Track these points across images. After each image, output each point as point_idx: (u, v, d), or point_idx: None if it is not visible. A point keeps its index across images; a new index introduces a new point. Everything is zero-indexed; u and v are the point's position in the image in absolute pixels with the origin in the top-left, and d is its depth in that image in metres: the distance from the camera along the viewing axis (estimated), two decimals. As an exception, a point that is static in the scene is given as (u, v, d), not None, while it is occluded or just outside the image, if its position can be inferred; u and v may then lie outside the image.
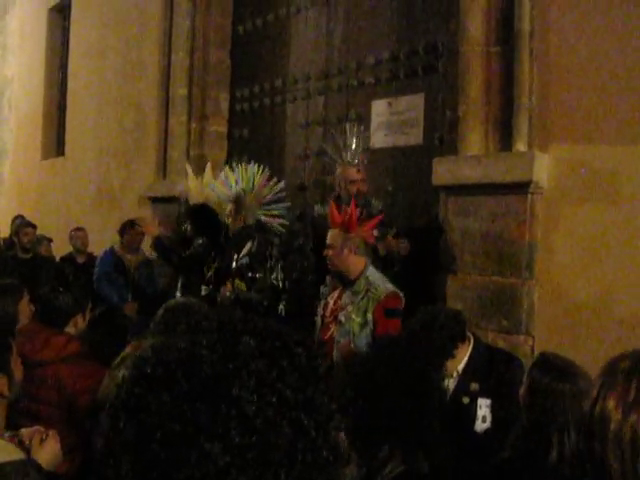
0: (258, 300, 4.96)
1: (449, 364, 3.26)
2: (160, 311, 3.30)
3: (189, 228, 5.95)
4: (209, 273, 5.36)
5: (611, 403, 1.51)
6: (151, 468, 0.82)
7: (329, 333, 4.05)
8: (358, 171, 4.78)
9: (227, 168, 5.61)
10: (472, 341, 3.34)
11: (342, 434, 0.95)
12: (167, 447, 0.81)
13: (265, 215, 5.47)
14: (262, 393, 0.84)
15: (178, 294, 5.57)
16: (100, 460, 0.89)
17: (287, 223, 5.55)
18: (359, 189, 4.71)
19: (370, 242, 4.21)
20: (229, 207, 5.24)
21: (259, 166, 5.72)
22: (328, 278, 4.35)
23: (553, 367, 2.54)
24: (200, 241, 5.59)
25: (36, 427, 2.28)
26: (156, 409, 0.83)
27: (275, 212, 5.50)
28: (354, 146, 4.86)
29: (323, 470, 0.86)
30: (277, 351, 0.89)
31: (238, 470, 0.80)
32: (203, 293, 5.29)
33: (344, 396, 2.09)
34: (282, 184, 5.60)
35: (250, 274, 5.04)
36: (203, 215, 5.70)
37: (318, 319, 4.19)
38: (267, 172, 5.60)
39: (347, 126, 5.03)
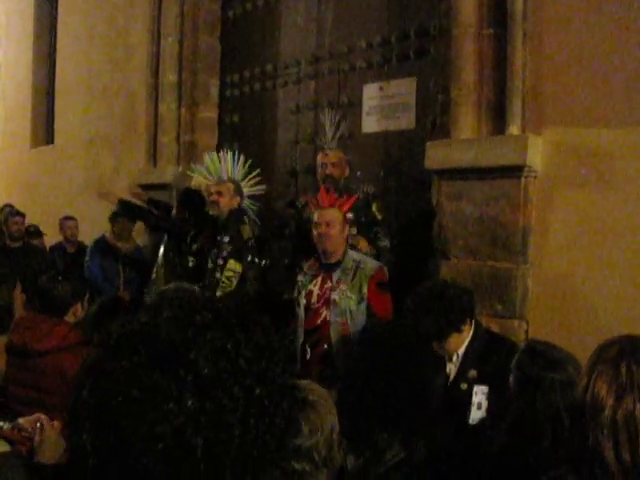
0: (258, 290, 4.93)
1: (452, 342, 3.25)
2: (153, 296, 3.27)
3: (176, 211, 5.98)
4: (195, 246, 5.36)
5: (603, 389, 1.50)
6: (110, 431, 0.86)
7: (321, 318, 4.06)
8: (326, 155, 4.86)
9: (230, 152, 5.57)
10: (473, 325, 3.33)
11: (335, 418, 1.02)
12: (126, 411, 0.86)
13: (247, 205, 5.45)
14: (217, 360, 0.89)
15: (160, 258, 5.59)
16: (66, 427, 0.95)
17: (259, 223, 5.50)
18: (328, 173, 4.79)
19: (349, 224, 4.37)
20: (226, 185, 5.16)
21: (251, 154, 5.70)
22: (306, 265, 4.31)
23: (541, 356, 2.52)
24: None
25: (37, 414, 2.25)
26: (116, 376, 0.88)
27: (253, 207, 5.48)
28: (327, 131, 4.97)
29: (275, 436, 0.92)
30: (233, 325, 0.95)
31: (193, 430, 0.85)
32: (190, 265, 5.30)
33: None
34: (263, 187, 5.58)
35: (256, 260, 5.00)
36: (193, 200, 5.70)
37: (301, 310, 4.16)
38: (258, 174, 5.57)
39: (327, 111, 5.09)
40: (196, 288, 3.54)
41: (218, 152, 5.72)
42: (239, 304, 1.10)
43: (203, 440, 0.85)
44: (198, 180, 5.62)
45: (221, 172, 5.33)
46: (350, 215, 4.47)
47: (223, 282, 4.88)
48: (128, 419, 0.85)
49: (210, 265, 5.00)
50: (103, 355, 0.92)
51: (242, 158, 5.46)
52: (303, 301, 4.17)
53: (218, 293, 4.81)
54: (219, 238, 5.02)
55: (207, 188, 5.34)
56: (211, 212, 5.15)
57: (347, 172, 4.94)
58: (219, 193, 5.14)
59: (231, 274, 4.90)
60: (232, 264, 4.90)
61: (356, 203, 4.60)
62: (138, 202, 6.20)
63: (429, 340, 3.27)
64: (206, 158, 5.60)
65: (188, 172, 6.05)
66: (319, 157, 4.95)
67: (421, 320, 3.22)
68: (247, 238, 5.01)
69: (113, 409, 0.86)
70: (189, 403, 0.86)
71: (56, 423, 2.20)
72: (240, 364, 0.90)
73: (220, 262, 4.93)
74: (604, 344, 1.61)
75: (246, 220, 5.16)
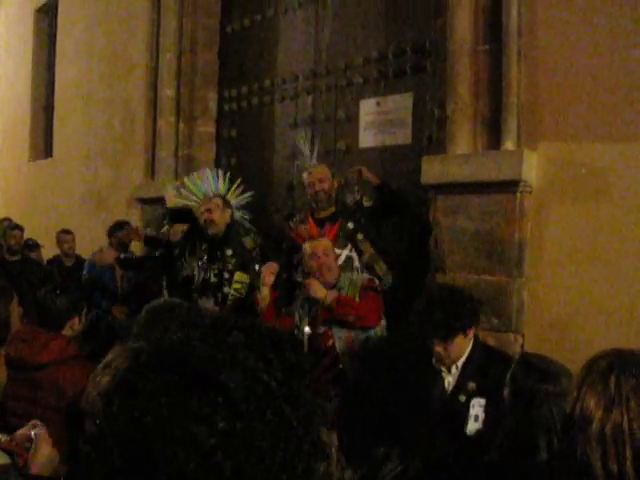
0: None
1: (456, 346, 3.27)
2: (142, 313, 3.27)
3: (169, 229, 5.98)
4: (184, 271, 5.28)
5: (591, 402, 1.51)
6: (139, 451, 0.85)
7: (331, 341, 4.05)
8: (310, 174, 4.90)
9: (208, 169, 5.58)
10: (472, 338, 3.36)
11: (333, 435, 1.00)
12: (156, 431, 0.85)
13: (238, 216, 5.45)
14: (248, 382, 0.88)
15: (165, 293, 5.55)
16: (91, 446, 0.93)
17: (254, 229, 5.49)
18: (318, 190, 4.82)
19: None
20: (214, 202, 5.16)
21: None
22: (300, 300, 4.29)
23: (535, 368, 2.54)
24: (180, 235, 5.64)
25: (33, 421, 2.26)
26: (147, 395, 0.87)
27: (244, 217, 5.47)
28: (305, 150, 5.05)
29: (304, 460, 0.90)
30: (265, 346, 0.94)
31: (223, 453, 0.84)
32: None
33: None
34: (250, 193, 5.57)
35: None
36: (184, 217, 5.69)
37: (304, 339, 4.11)
38: (240, 183, 5.57)
39: (304, 131, 5.17)
40: (185, 303, 3.54)
41: (199, 171, 5.71)
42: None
43: (232, 463, 0.84)
44: (186, 205, 5.61)
45: (205, 190, 5.31)
46: (351, 225, 4.57)
47: (232, 295, 4.89)
48: (157, 439, 0.85)
49: (213, 280, 4.99)
50: (134, 371, 0.92)
51: (221, 172, 5.48)
52: (307, 330, 4.11)
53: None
54: (219, 253, 5.02)
55: (197, 210, 5.32)
56: (210, 232, 5.10)
57: (335, 184, 4.96)
58: (209, 210, 5.09)
59: (239, 286, 4.90)
60: (239, 276, 4.91)
61: (350, 211, 4.71)
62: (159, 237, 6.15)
63: (437, 339, 3.26)
64: (187, 181, 5.58)
65: (175, 198, 6.04)
66: (305, 177, 4.96)
67: (431, 318, 3.25)
68: (251, 248, 5.02)
69: (142, 428, 0.86)
70: (220, 425, 0.85)
71: (42, 434, 2.21)
72: (271, 386, 0.90)
73: (226, 276, 4.93)
74: (594, 357, 1.63)
75: (246, 231, 5.18)
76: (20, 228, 7.42)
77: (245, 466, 0.85)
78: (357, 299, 4.05)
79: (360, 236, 4.68)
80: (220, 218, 5.10)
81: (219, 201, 5.19)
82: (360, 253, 4.62)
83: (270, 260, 4.88)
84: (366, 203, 4.80)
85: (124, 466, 0.86)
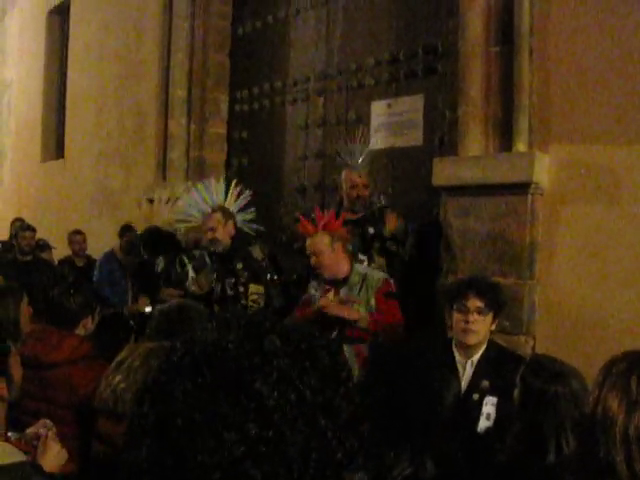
0: (283, 305, 4.89)
1: (480, 326, 3.27)
2: (155, 314, 3.29)
3: (145, 251, 5.97)
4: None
5: (614, 403, 1.51)
6: (168, 453, 0.84)
7: (335, 332, 4.07)
8: (360, 176, 4.79)
9: (199, 184, 5.49)
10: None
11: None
12: (186, 434, 0.84)
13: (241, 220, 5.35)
14: (282, 390, 0.86)
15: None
16: (125, 444, 0.92)
17: (262, 229, 5.44)
18: (359, 194, 4.74)
19: (347, 238, 4.31)
20: (215, 218, 5.04)
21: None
22: (314, 284, 4.31)
23: (545, 369, 2.53)
24: (160, 262, 5.60)
25: (42, 420, 2.27)
26: (179, 397, 0.86)
27: (247, 217, 5.39)
28: (358, 150, 4.88)
29: (335, 472, 0.87)
30: (301, 352, 0.91)
31: (252, 461, 0.82)
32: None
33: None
34: (248, 193, 5.42)
35: (275, 277, 4.98)
36: (159, 237, 5.65)
37: None
38: (237, 184, 5.49)
39: (352, 129, 5.06)
40: (198, 305, 3.55)
41: (194, 186, 5.65)
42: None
43: (261, 472, 0.83)
44: (188, 227, 5.56)
45: (202, 208, 5.21)
46: (371, 231, 4.53)
47: (250, 306, 4.85)
48: (187, 443, 0.84)
49: (230, 293, 4.96)
50: (166, 372, 0.91)
51: (212, 181, 5.37)
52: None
53: None
54: (231, 267, 4.99)
55: (201, 230, 5.25)
56: (217, 250, 4.99)
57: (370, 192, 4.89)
58: (212, 230, 4.99)
59: (255, 297, 4.86)
60: (253, 287, 4.87)
61: (374, 217, 4.68)
62: None
63: (478, 296, 3.32)
64: (180, 204, 5.51)
65: (176, 226, 5.94)
66: (350, 177, 4.81)
67: (480, 280, 3.48)
68: (260, 259, 4.99)
69: (172, 431, 0.85)
70: (251, 433, 0.83)
71: (51, 433, 2.22)
72: (305, 395, 0.87)
73: (241, 289, 4.91)
74: (613, 359, 1.63)
75: (252, 240, 5.13)
76: (32, 229, 7.47)
77: (274, 475, 0.83)
78: (372, 302, 4.02)
79: (377, 244, 4.67)
80: (224, 233, 5.00)
81: (219, 216, 5.04)
82: (370, 260, 4.60)
83: (281, 267, 4.88)
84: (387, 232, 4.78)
85: (151, 468, 0.85)
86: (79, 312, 3.47)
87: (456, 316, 3.34)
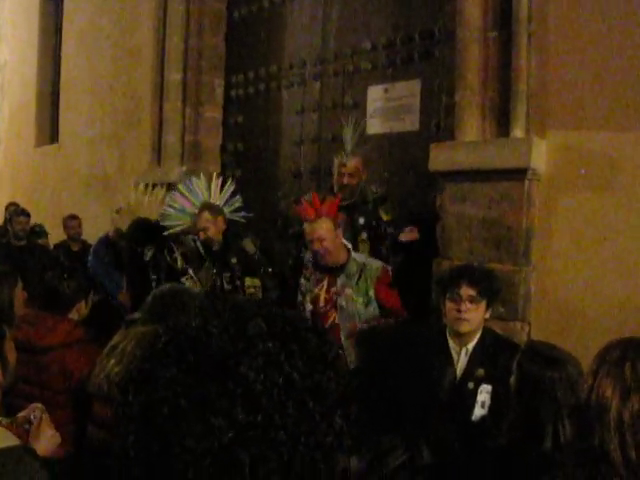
0: (280, 296, 4.88)
1: (474, 315, 3.26)
2: (149, 298, 3.29)
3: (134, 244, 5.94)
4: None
5: (608, 390, 1.51)
6: (155, 440, 0.84)
7: (329, 321, 4.06)
8: (345, 165, 4.79)
9: (180, 185, 5.46)
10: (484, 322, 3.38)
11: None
12: (172, 420, 0.83)
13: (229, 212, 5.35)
14: (269, 373, 0.85)
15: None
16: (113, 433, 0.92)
17: (250, 215, 5.42)
18: (347, 183, 4.74)
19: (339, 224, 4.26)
20: (204, 217, 4.99)
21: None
22: (308, 271, 4.30)
23: (541, 355, 2.54)
24: (149, 251, 5.56)
25: (33, 405, 2.27)
26: (164, 383, 0.85)
27: (235, 205, 5.38)
28: (350, 137, 4.86)
29: (326, 455, 0.87)
30: (287, 335, 0.90)
31: (241, 446, 0.82)
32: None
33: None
34: (230, 183, 5.41)
35: (270, 269, 4.97)
36: (147, 227, 5.62)
37: (307, 314, 4.14)
38: (218, 175, 5.45)
39: (348, 113, 5.03)
40: (191, 288, 3.53)
41: (174, 189, 5.62)
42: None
43: (250, 457, 0.82)
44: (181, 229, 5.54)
45: (188, 210, 5.21)
46: (361, 221, 4.50)
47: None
48: (174, 430, 0.83)
49: (227, 287, 4.96)
50: (149, 359, 0.90)
51: (193, 180, 5.34)
52: (309, 306, 4.16)
53: None
54: (225, 261, 4.97)
55: (192, 230, 5.21)
56: (214, 248, 4.98)
57: (365, 176, 4.86)
58: (204, 230, 4.96)
59: (252, 290, 4.87)
60: (249, 281, 4.88)
61: (366, 207, 4.63)
62: None
63: (471, 285, 3.30)
64: (166, 209, 5.46)
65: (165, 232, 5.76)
66: (337, 164, 4.83)
67: (473, 268, 3.45)
68: (252, 252, 4.97)
69: (158, 417, 0.84)
70: (239, 418, 0.83)
71: (45, 416, 2.22)
72: (293, 378, 0.86)
73: (237, 283, 4.91)
74: (608, 345, 1.63)
75: (242, 232, 5.11)
76: (27, 214, 7.44)
77: (264, 460, 0.83)
78: (371, 293, 4.02)
79: (364, 235, 4.65)
80: (215, 231, 4.97)
81: (207, 215, 5.00)
82: (355, 248, 4.54)
83: (274, 254, 4.86)
84: (385, 217, 4.75)
85: (138, 456, 0.85)
86: (73, 296, 3.46)
87: (449, 305, 3.33)
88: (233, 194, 5.38)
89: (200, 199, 5.21)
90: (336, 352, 0.95)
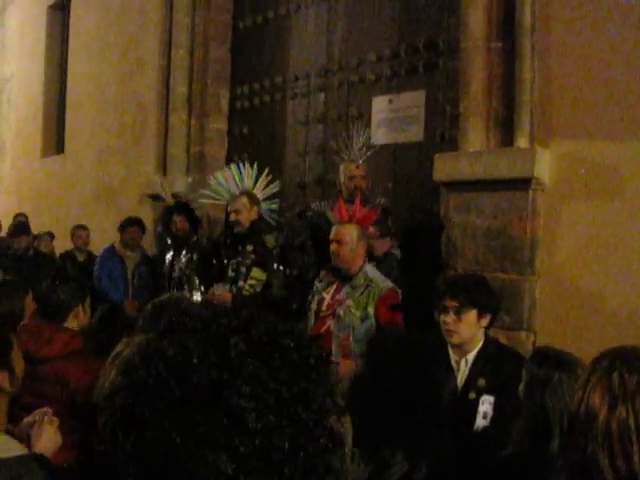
0: (284, 297, 4.90)
1: (463, 327, 3.25)
2: (148, 307, 3.28)
3: (179, 225, 6.07)
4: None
5: (596, 399, 1.51)
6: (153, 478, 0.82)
7: (325, 327, 4.06)
8: (357, 167, 4.83)
9: (232, 165, 5.58)
10: (484, 334, 3.35)
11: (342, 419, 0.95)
12: (171, 460, 0.81)
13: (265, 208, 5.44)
14: (259, 397, 0.84)
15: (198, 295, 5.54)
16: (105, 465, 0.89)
17: (282, 221, 5.53)
18: (357, 185, 4.76)
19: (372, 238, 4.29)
20: (241, 201, 5.16)
21: (259, 166, 5.67)
22: (322, 273, 4.32)
23: (550, 357, 2.55)
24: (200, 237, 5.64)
25: (38, 410, 2.27)
26: (153, 421, 0.82)
27: (271, 206, 5.48)
28: (355, 143, 4.89)
29: (323, 457, 0.87)
30: (266, 347, 0.88)
31: (245, 475, 0.81)
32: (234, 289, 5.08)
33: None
34: (277, 183, 5.54)
35: (281, 267, 4.99)
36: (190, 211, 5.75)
37: (312, 314, 4.17)
38: (268, 173, 5.54)
39: (352, 124, 5.07)
40: (187, 296, 3.54)
41: (227, 166, 5.75)
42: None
43: None
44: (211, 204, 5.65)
45: (231, 189, 5.31)
46: (372, 229, 4.52)
47: (246, 290, 4.89)
48: (176, 469, 0.80)
49: (231, 274, 5.01)
50: (130, 394, 0.86)
51: (246, 166, 5.44)
52: (314, 307, 4.17)
53: None
54: (240, 248, 5.04)
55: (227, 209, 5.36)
56: (235, 230, 5.13)
57: (369, 184, 4.91)
58: (236, 212, 5.12)
59: (254, 282, 4.91)
60: (256, 272, 4.91)
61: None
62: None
63: (453, 299, 3.26)
64: (211, 181, 5.58)
65: (200, 200, 6.05)
66: (348, 169, 4.85)
67: (455, 280, 3.41)
68: (272, 247, 5.02)
69: (156, 458, 0.81)
70: (240, 450, 0.81)
71: (52, 419, 2.22)
72: (282, 392, 0.85)
73: (243, 270, 4.95)
74: (596, 357, 1.63)
75: (269, 229, 5.18)
76: (27, 233, 7.63)
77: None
78: (371, 310, 3.95)
79: None
80: (247, 217, 5.11)
81: (245, 200, 5.16)
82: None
83: (291, 261, 4.91)
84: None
85: None
86: (67, 302, 3.41)
87: (440, 317, 3.33)
88: (274, 196, 5.51)
89: (245, 185, 5.34)
90: (315, 350, 0.94)
